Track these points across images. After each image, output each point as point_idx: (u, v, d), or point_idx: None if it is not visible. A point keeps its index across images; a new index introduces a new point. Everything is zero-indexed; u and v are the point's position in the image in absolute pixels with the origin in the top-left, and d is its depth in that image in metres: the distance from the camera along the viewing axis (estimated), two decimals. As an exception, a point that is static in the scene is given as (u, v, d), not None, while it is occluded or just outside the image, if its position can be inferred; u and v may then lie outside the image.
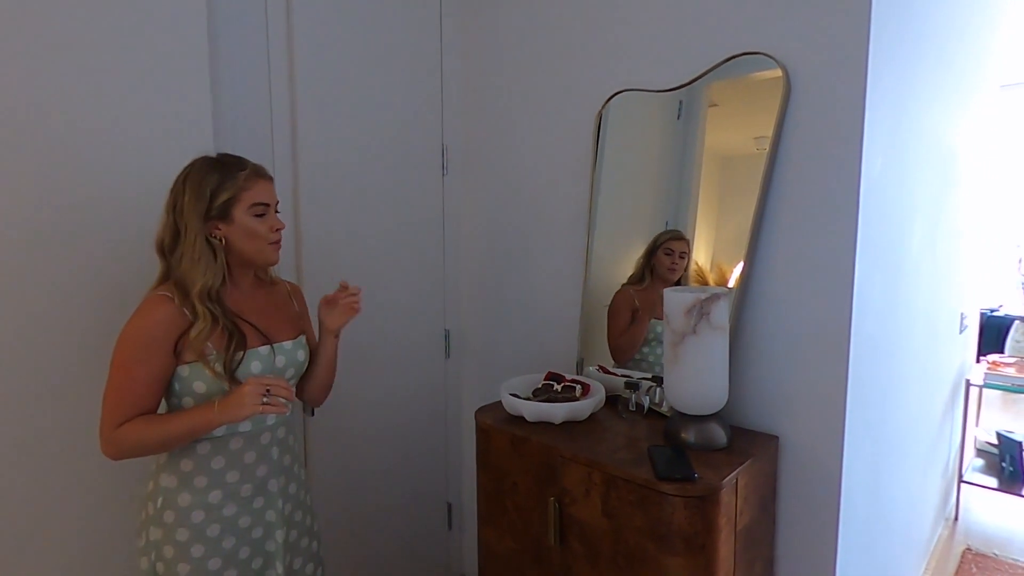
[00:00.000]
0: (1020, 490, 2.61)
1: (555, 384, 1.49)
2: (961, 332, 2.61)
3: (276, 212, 1.14)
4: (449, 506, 2.12)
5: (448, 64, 1.96)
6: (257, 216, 1.09)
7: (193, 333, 1.03)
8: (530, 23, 1.77)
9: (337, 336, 1.26)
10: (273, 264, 1.16)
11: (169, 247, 1.07)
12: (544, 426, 1.34)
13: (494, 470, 1.39)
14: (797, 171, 1.25)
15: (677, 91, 1.45)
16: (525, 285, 1.87)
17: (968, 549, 2.45)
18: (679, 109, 1.47)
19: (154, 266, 1.12)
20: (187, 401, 1.08)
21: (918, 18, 1.47)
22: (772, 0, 1.26)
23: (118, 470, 1.20)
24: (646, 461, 1.15)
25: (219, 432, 1.09)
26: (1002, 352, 3.31)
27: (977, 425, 3.27)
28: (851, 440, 1.26)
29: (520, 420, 1.37)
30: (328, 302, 1.24)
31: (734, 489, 1.11)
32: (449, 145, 1.99)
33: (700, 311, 1.16)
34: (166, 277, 1.09)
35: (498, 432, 1.37)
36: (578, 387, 1.46)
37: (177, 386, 1.07)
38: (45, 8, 1.19)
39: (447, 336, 2.06)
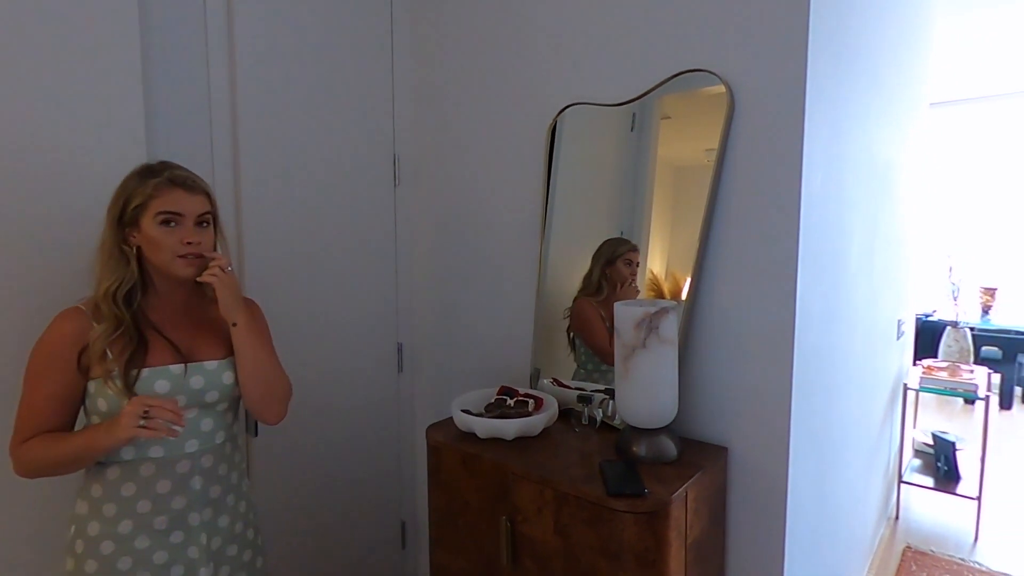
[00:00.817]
0: (954, 488, 2.74)
1: (508, 399, 1.47)
2: (899, 338, 2.73)
3: (203, 225, 1.06)
4: (403, 524, 2.06)
5: (400, 71, 1.93)
6: (163, 225, 1.02)
7: (92, 335, 0.98)
8: (483, 32, 1.76)
9: (235, 324, 1.09)
10: (184, 279, 1.06)
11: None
12: (496, 442, 1.32)
13: (446, 488, 1.36)
14: (741, 185, 1.28)
15: (627, 105, 1.46)
16: (479, 297, 1.85)
17: (908, 547, 2.55)
18: (632, 120, 1.49)
19: (85, 276, 1.07)
20: (94, 419, 1.02)
21: (852, 40, 1.53)
22: (717, 19, 1.29)
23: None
24: (598, 477, 1.14)
25: (127, 455, 1.02)
26: (935, 356, 3.48)
27: (915, 427, 3.43)
28: (796, 448, 1.28)
29: (472, 437, 1.34)
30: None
31: (684, 503, 1.11)
32: (401, 155, 1.96)
33: (649, 325, 1.16)
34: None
35: (449, 449, 1.34)
36: (531, 401, 1.45)
37: (87, 403, 1.02)
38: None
39: (400, 350, 2.01)
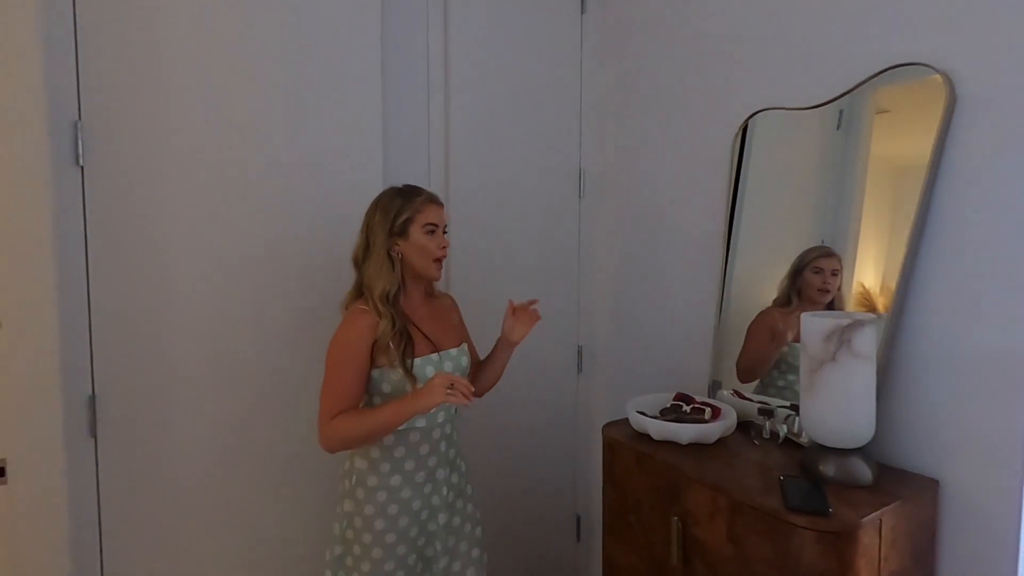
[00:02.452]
0: None
1: (684, 405, 1.49)
2: None
3: (444, 233, 1.32)
4: (578, 518, 2.17)
5: (587, 88, 2.06)
6: (428, 234, 1.27)
7: (379, 330, 1.23)
8: (668, 42, 1.81)
9: (515, 345, 1.41)
10: (435, 279, 1.34)
11: (361, 260, 1.30)
12: (670, 446, 1.35)
13: (619, 485, 1.42)
14: (962, 186, 1.14)
15: (825, 106, 1.38)
16: (658, 305, 1.88)
17: None
18: (839, 118, 1.40)
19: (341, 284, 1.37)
20: (375, 400, 1.28)
21: None
22: (924, 8, 1.17)
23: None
24: (776, 491, 1.11)
25: (402, 427, 1.26)
26: None
27: None
28: (1034, 494, 1.10)
29: (646, 438, 1.39)
30: (513, 312, 1.39)
31: (877, 530, 1.03)
32: (585, 169, 2.08)
33: (840, 338, 1.10)
34: (359, 285, 1.30)
35: (624, 447, 1.40)
36: (708, 410, 1.45)
37: (370, 386, 1.28)
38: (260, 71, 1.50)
39: (580, 352, 2.13)
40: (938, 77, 1.16)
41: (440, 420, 1.32)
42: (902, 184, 1.26)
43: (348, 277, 1.35)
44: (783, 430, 1.35)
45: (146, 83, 1.37)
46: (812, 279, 1.42)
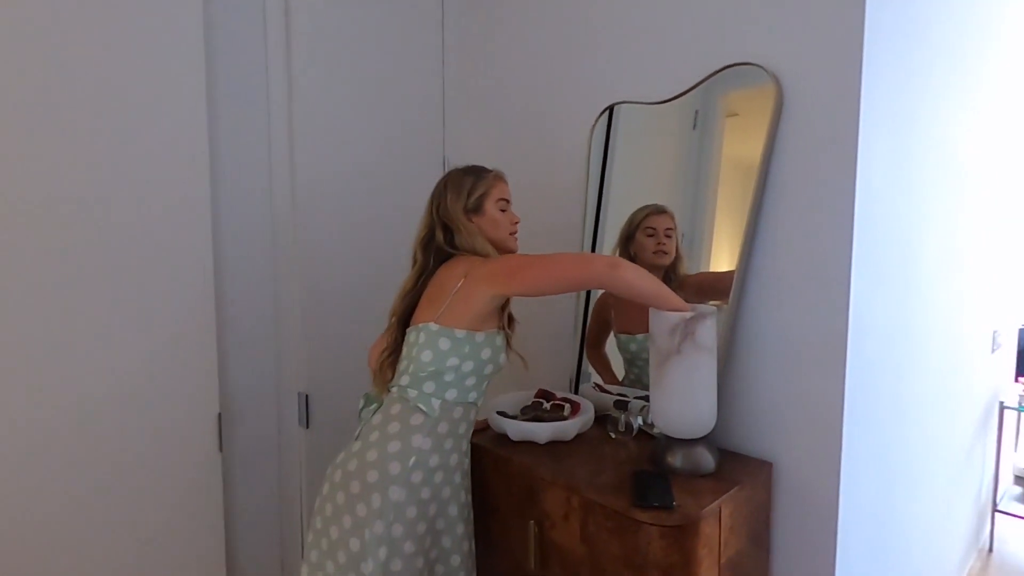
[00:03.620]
0: (1061, 522, 2.44)
1: (544, 402, 1.46)
2: (993, 351, 2.47)
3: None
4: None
5: (450, 76, 1.97)
6: (501, 211, 1.29)
7: None
8: (530, 30, 1.76)
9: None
10: (513, 251, 1.32)
11: (431, 240, 1.27)
12: (529, 446, 1.31)
13: (479, 490, 1.36)
14: (789, 181, 1.21)
15: (679, 101, 1.40)
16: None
17: (1002, 584, 2.30)
18: (695, 119, 1.43)
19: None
20: (466, 365, 1.21)
21: (925, 25, 1.40)
22: (764, 10, 1.22)
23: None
24: (628, 486, 1.11)
25: (471, 397, 1.23)
26: (1044, 373, 3.11)
27: (1016, 451, 3.09)
28: (850, 466, 1.19)
29: (506, 439, 1.34)
30: None
31: (717, 519, 1.05)
32: (449, 158, 1.99)
33: (685, 330, 1.11)
34: (424, 267, 1.28)
35: (482, 451, 1.34)
36: (567, 406, 1.43)
37: (466, 350, 1.20)
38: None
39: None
40: (771, 80, 1.21)
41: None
42: (749, 184, 1.30)
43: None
44: (637, 422, 1.36)
45: None
46: (646, 242, 1.41)
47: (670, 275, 1.41)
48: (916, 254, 1.49)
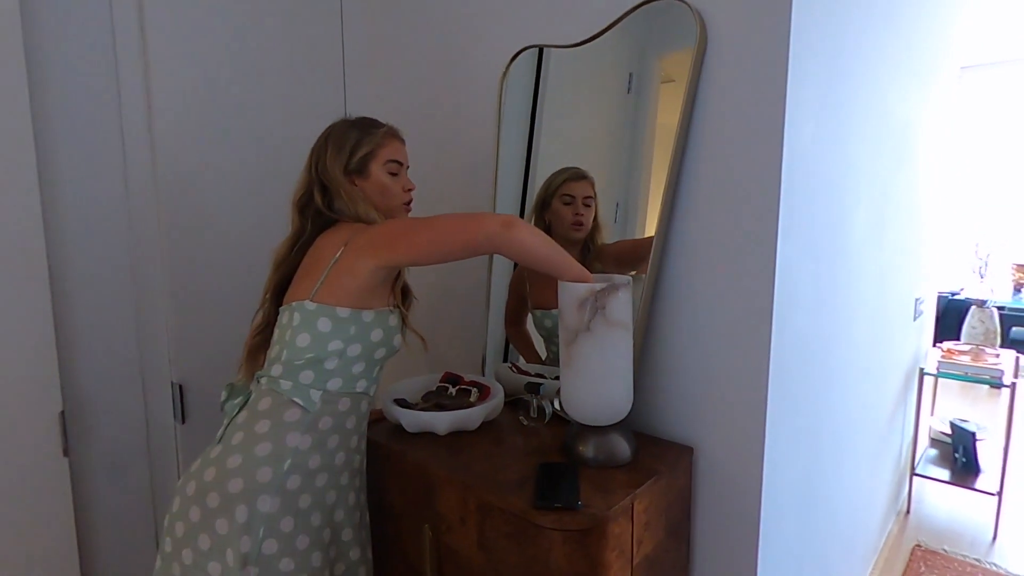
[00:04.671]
0: (973, 482, 2.52)
1: (450, 387, 1.30)
2: (916, 318, 2.49)
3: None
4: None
5: (350, 42, 1.74)
6: (391, 175, 1.12)
7: None
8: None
9: None
10: None
11: (303, 203, 1.10)
12: (429, 438, 1.15)
13: (374, 489, 1.20)
14: (714, 137, 1.07)
15: (592, 44, 1.24)
16: (430, 272, 1.66)
17: (918, 545, 2.35)
18: (629, 83, 1.27)
19: None
20: (351, 348, 1.05)
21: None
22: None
23: None
24: (532, 483, 0.97)
25: (360, 387, 1.06)
26: (959, 339, 3.21)
27: (932, 414, 3.19)
28: (774, 446, 1.09)
29: (402, 431, 1.18)
30: None
31: (629, 516, 0.93)
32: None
33: (595, 304, 0.97)
34: (300, 233, 1.11)
35: (376, 445, 1.17)
36: (475, 390, 1.27)
37: (352, 331, 1.04)
38: None
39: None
40: (694, 18, 1.06)
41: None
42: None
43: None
44: (549, 407, 1.23)
45: None
46: (563, 211, 1.26)
47: (588, 245, 1.27)
48: (845, 219, 1.40)
